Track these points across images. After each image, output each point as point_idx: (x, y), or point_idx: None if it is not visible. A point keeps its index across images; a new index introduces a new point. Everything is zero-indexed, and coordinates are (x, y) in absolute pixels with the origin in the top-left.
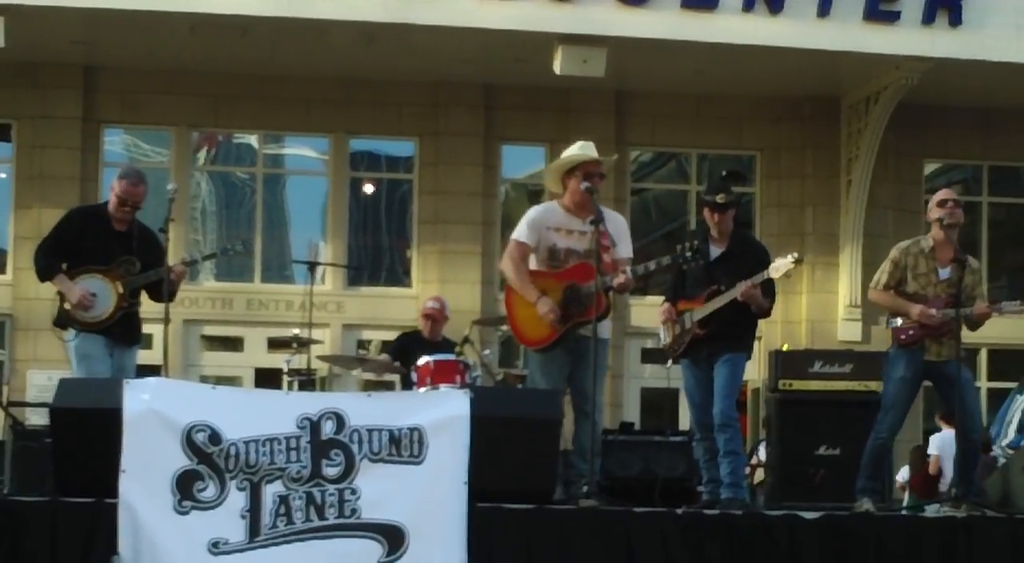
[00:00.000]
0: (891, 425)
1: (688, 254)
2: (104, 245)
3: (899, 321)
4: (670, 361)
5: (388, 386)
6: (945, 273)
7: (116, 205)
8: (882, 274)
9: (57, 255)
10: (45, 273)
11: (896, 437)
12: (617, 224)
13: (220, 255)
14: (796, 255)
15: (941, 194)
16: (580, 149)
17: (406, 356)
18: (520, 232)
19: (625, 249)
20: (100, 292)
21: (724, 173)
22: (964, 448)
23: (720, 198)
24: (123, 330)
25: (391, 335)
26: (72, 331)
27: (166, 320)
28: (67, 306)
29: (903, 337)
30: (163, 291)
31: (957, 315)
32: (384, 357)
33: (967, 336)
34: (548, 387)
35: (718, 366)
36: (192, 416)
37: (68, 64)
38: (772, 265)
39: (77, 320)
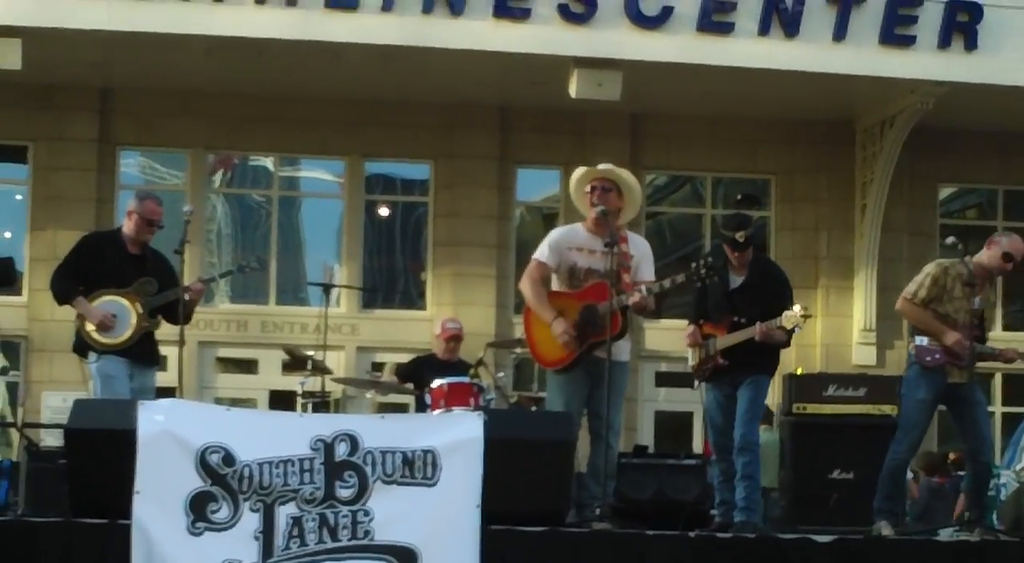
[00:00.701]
0: (911, 446)
1: (703, 271)
2: (120, 268)
3: (925, 341)
4: (696, 383)
5: (402, 409)
6: (977, 302)
7: (142, 226)
8: (920, 288)
9: (74, 278)
10: (63, 297)
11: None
12: (640, 247)
13: (236, 272)
14: (807, 310)
15: (1014, 246)
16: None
17: (420, 379)
18: (541, 253)
19: (648, 272)
20: (120, 313)
21: (739, 197)
22: (976, 471)
23: (740, 236)
24: (142, 351)
25: (405, 358)
26: (94, 354)
27: (181, 342)
28: (88, 328)
29: (928, 359)
30: (179, 313)
31: (972, 348)
32: (392, 379)
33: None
34: (566, 409)
35: (741, 389)
36: (206, 437)
37: (84, 86)
38: (785, 314)
39: (98, 343)
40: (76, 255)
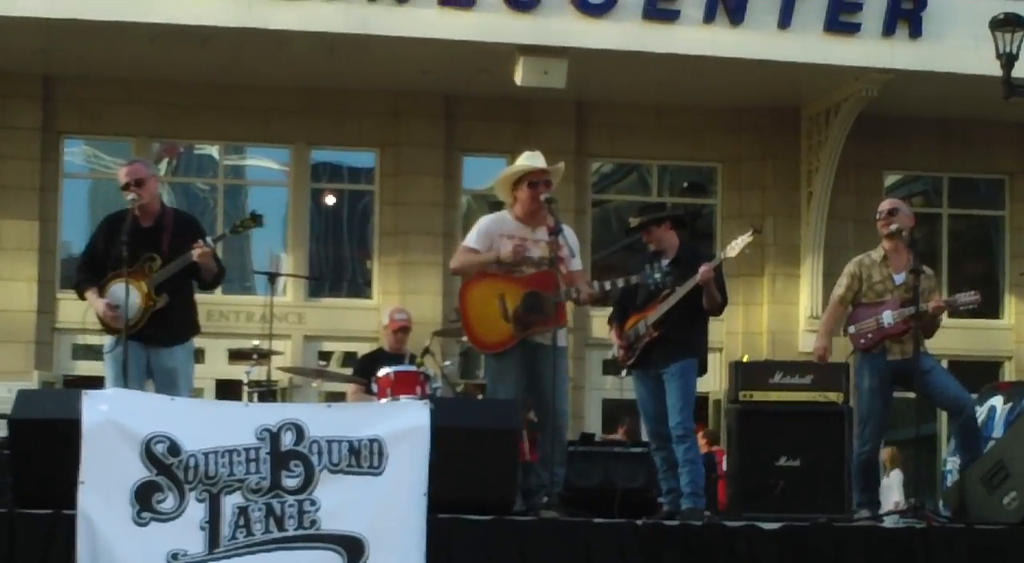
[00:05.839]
0: (872, 436)
1: (657, 276)
2: (130, 246)
3: (854, 328)
4: (624, 372)
5: None
6: (900, 278)
7: (125, 193)
8: (838, 288)
9: (90, 268)
10: (77, 289)
11: (880, 445)
12: (570, 237)
13: (230, 234)
14: (754, 227)
15: (883, 205)
16: (526, 160)
17: (372, 374)
18: (470, 239)
19: (577, 263)
20: (122, 299)
21: (685, 185)
22: (961, 423)
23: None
24: (155, 331)
25: (352, 346)
26: (111, 339)
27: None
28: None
29: (862, 341)
30: (203, 277)
31: (900, 314)
32: (354, 383)
33: (929, 347)
34: (503, 393)
35: (668, 378)
36: (151, 427)
37: (27, 74)
38: (728, 246)
39: (112, 328)
40: (90, 242)
